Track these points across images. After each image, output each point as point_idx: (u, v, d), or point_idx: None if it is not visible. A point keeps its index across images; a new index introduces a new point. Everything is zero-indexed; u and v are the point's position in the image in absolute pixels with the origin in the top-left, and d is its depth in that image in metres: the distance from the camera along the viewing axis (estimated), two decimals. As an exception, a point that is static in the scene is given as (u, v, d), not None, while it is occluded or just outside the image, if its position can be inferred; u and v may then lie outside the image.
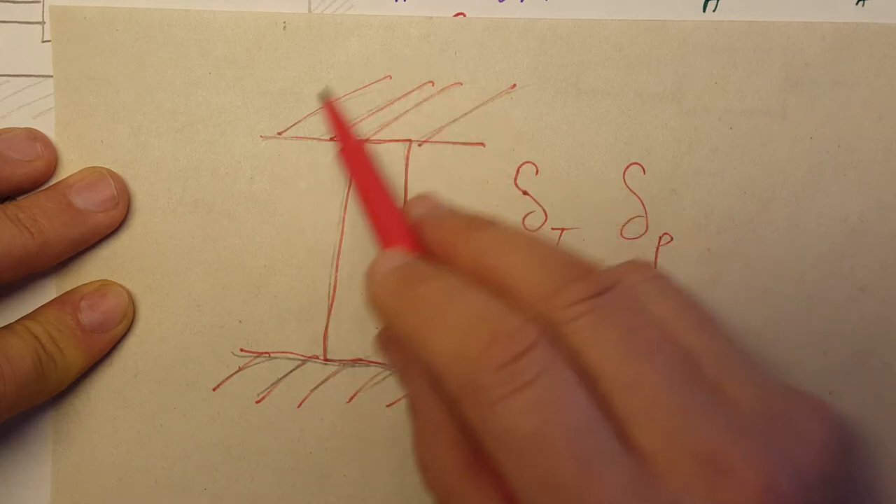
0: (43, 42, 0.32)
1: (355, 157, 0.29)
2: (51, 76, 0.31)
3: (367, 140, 0.30)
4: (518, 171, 0.32)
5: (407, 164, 0.32)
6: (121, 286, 0.32)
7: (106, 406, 0.32)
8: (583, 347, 0.20)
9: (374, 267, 0.26)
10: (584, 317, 0.21)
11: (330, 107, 0.30)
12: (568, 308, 0.21)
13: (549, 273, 0.22)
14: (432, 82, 0.31)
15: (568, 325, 0.21)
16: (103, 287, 0.31)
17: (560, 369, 0.20)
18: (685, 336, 0.21)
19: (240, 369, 0.32)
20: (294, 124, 0.32)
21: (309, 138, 0.32)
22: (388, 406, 0.32)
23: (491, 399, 0.20)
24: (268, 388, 0.32)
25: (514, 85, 0.31)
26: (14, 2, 0.32)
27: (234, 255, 0.32)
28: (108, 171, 0.31)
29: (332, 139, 0.31)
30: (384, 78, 0.31)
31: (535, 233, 0.24)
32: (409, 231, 0.27)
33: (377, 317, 0.26)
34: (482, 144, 0.32)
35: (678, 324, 0.21)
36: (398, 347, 0.26)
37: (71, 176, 0.31)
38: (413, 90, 0.31)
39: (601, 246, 0.32)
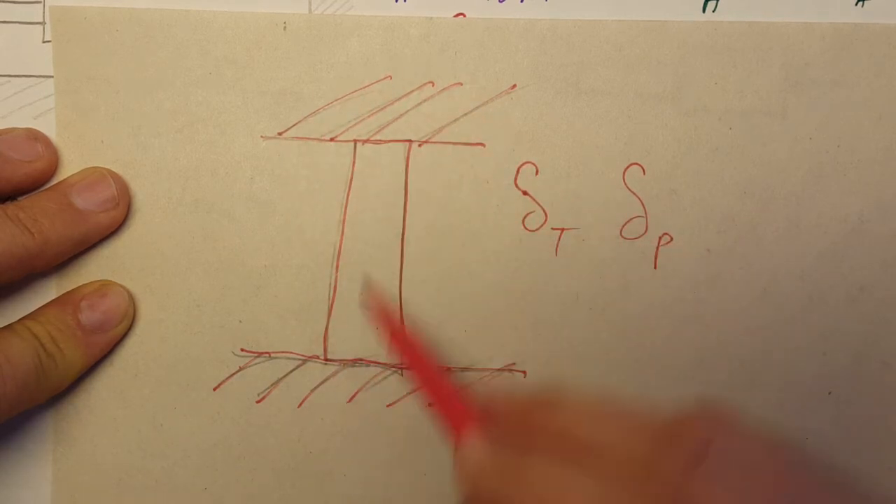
0: (43, 42, 0.32)
1: (408, 344, 0.29)
2: (51, 76, 0.32)
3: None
4: (518, 171, 0.32)
5: (407, 164, 0.32)
6: (121, 286, 0.32)
7: (106, 406, 0.32)
8: None
9: (462, 456, 0.25)
10: (694, 485, 0.21)
11: (374, 299, 0.31)
12: (676, 477, 0.21)
13: (640, 440, 0.23)
14: (432, 82, 0.31)
15: (681, 495, 0.21)
16: (103, 287, 0.31)
17: None
18: (783, 484, 0.22)
19: (240, 369, 0.32)
20: (294, 124, 0.32)
21: (309, 138, 0.32)
22: (388, 406, 0.32)
23: None
24: (268, 388, 0.32)
25: (514, 85, 0.31)
26: (14, 2, 0.32)
27: (234, 255, 0.32)
28: (109, 171, 0.31)
29: (380, 329, 0.32)
30: (384, 78, 0.31)
31: (607, 396, 0.25)
32: (479, 413, 0.26)
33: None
34: (482, 144, 0.32)
35: (773, 473, 0.22)
36: None
37: (72, 176, 0.31)
38: (413, 90, 0.32)
39: (601, 246, 0.32)
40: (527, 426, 0.25)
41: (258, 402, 0.32)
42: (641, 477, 0.22)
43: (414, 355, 0.29)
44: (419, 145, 0.32)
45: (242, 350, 0.32)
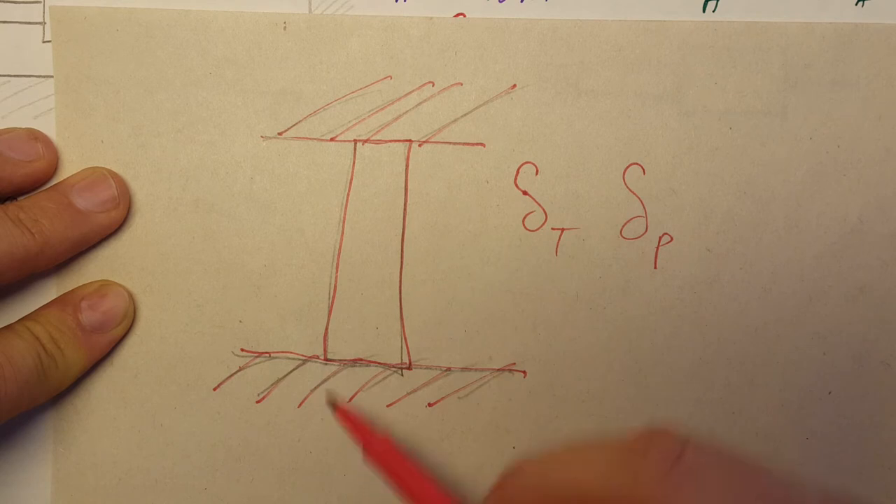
0: (43, 42, 0.32)
1: (385, 454, 0.29)
2: (51, 76, 0.32)
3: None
4: (518, 171, 0.32)
5: (407, 164, 0.32)
6: (121, 286, 0.32)
7: (106, 406, 0.32)
8: None
9: None
10: (675, 479, 0.21)
11: (342, 413, 0.30)
12: (657, 475, 0.22)
13: (616, 456, 0.23)
14: (432, 82, 0.31)
15: (664, 490, 0.21)
16: (104, 287, 0.31)
17: None
18: (757, 482, 0.22)
19: (240, 369, 0.32)
20: (294, 124, 0.32)
21: (309, 138, 0.32)
22: (387, 406, 0.32)
23: None
24: (268, 388, 0.32)
25: (514, 85, 0.31)
26: (14, 2, 0.32)
27: (234, 255, 0.32)
28: (109, 171, 0.31)
29: (359, 443, 0.30)
30: (384, 78, 0.32)
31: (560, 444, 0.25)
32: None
33: None
34: (482, 144, 0.32)
35: (746, 472, 0.22)
36: None
37: (72, 176, 0.31)
38: (413, 90, 0.32)
39: (601, 246, 0.32)
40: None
41: (258, 402, 0.32)
42: (625, 481, 0.22)
43: (392, 464, 0.29)
44: (419, 145, 0.32)
45: (242, 350, 0.32)
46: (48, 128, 0.32)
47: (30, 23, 0.32)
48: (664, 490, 0.21)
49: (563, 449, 0.25)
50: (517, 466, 0.25)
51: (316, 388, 0.32)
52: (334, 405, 0.30)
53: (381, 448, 0.29)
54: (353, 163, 0.32)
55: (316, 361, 0.32)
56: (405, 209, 0.32)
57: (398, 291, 0.32)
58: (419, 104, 0.32)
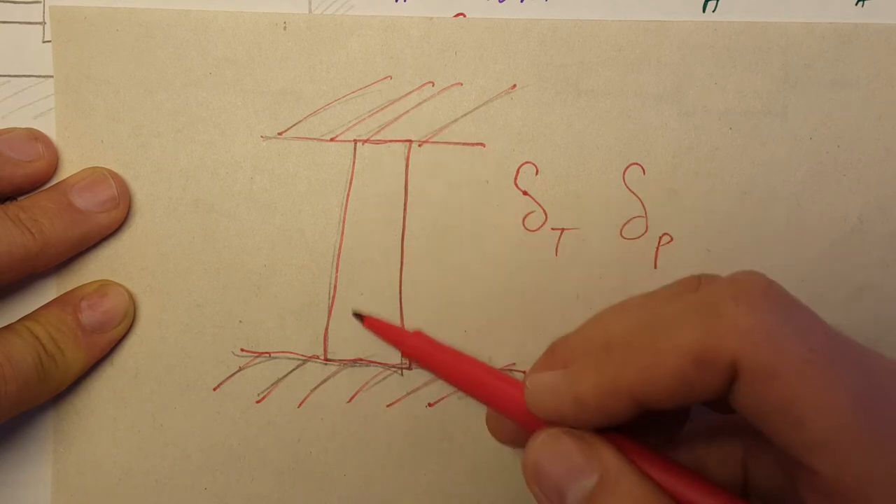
0: (43, 42, 0.32)
1: (422, 346, 0.27)
2: (51, 76, 0.32)
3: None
4: (518, 171, 0.32)
5: (407, 164, 0.32)
6: (121, 286, 0.32)
7: (106, 406, 0.32)
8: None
9: (532, 387, 0.24)
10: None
11: (371, 322, 0.28)
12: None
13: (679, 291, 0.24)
14: (432, 82, 0.31)
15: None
16: (104, 287, 0.31)
17: None
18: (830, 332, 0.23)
19: (240, 369, 0.32)
20: (294, 124, 0.32)
21: (309, 138, 0.32)
22: (388, 406, 0.32)
23: None
24: (268, 388, 0.32)
25: (514, 85, 0.31)
26: (14, 2, 0.32)
27: (234, 255, 0.32)
28: (109, 171, 0.31)
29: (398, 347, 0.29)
30: (384, 78, 0.32)
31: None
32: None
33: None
34: (482, 144, 0.32)
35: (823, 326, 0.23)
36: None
37: (72, 176, 0.31)
38: (413, 90, 0.32)
39: (601, 246, 0.32)
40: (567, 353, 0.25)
41: (258, 402, 0.32)
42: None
43: (437, 355, 0.28)
44: (419, 145, 0.32)
45: (242, 350, 0.32)
46: (48, 128, 0.32)
47: (30, 23, 0.32)
48: (753, 315, 0.20)
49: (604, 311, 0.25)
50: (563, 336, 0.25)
51: (316, 388, 0.32)
52: (361, 316, 0.29)
53: (417, 342, 0.28)
54: (353, 163, 0.32)
55: (316, 361, 0.32)
56: (405, 209, 0.32)
57: (398, 291, 0.32)
58: (419, 104, 0.32)
